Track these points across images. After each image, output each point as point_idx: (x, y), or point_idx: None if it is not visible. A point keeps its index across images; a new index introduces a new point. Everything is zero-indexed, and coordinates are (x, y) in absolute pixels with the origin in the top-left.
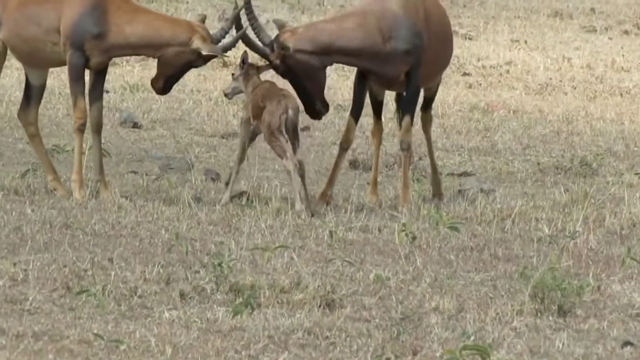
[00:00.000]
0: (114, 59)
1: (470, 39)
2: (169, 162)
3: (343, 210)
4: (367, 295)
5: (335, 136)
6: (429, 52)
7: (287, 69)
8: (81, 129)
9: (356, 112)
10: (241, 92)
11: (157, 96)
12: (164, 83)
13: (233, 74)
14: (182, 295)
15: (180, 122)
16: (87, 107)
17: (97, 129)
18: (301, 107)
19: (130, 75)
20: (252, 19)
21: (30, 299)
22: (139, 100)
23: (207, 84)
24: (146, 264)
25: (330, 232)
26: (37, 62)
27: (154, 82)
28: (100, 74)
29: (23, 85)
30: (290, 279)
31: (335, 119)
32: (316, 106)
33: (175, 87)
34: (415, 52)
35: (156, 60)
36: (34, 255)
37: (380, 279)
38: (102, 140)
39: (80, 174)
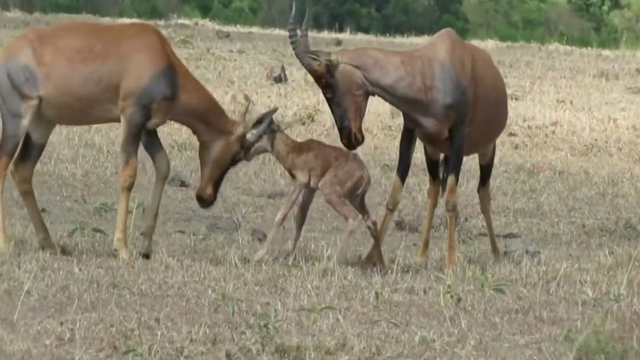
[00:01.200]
0: None
1: (516, 99)
2: (216, 221)
3: (389, 272)
4: (412, 357)
5: (382, 196)
6: (479, 113)
7: (329, 84)
8: (130, 188)
9: (402, 172)
10: (264, 152)
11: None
12: (212, 189)
13: (252, 134)
14: (228, 355)
15: (228, 181)
16: (151, 160)
17: (165, 177)
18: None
19: (178, 134)
20: (295, 42)
21: (77, 358)
22: (186, 158)
23: None
24: (192, 324)
25: (376, 293)
26: (79, 119)
27: (202, 192)
28: (154, 132)
29: (71, 143)
30: (336, 340)
31: (382, 179)
32: (352, 132)
33: None
34: (457, 107)
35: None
36: (80, 314)
37: (425, 341)
38: (147, 200)
39: (125, 232)
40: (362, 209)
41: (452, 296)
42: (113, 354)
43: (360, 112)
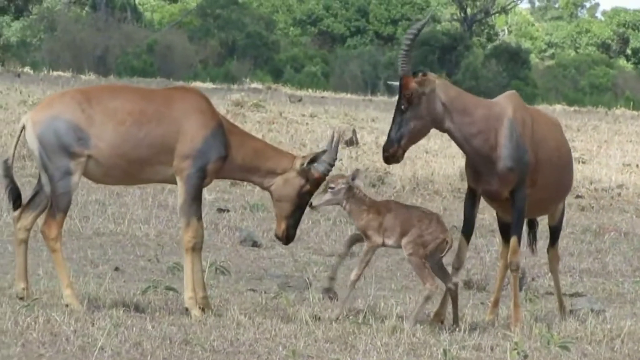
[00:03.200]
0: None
1: (583, 162)
2: (287, 280)
3: (457, 329)
4: None
5: (450, 257)
6: (541, 175)
7: (411, 100)
8: (194, 248)
9: (466, 230)
10: (336, 204)
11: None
12: (286, 227)
13: (332, 187)
14: None
15: (299, 241)
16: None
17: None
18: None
19: (250, 195)
20: (406, 50)
21: None
22: (258, 219)
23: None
24: None
25: (444, 350)
26: (125, 180)
27: (277, 230)
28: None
29: (145, 204)
30: None
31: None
32: (398, 150)
33: None
34: (518, 167)
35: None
36: None
37: None
38: (223, 259)
39: (194, 291)
40: (441, 271)
41: (518, 353)
42: None
43: (419, 138)
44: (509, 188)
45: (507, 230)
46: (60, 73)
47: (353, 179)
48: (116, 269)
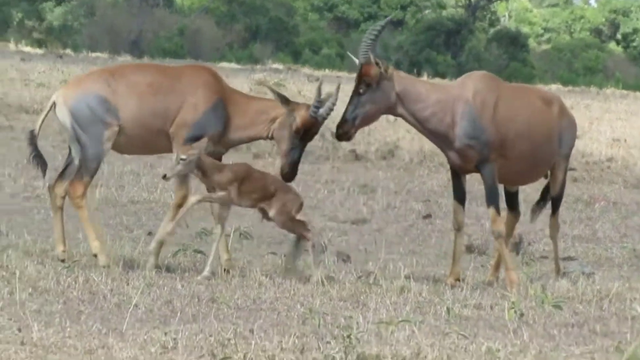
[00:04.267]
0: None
1: (577, 137)
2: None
3: (459, 289)
4: None
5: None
6: (512, 150)
7: (369, 85)
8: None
9: (456, 196)
10: (189, 173)
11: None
12: (288, 165)
13: (183, 159)
14: None
15: (316, 209)
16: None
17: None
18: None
19: (271, 166)
20: (370, 40)
21: None
22: None
23: (340, 175)
24: (283, 334)
25: (448, 308)
26: (144, 149)
27: (283, 169)
28: None
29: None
30: (411, 350)
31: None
32: (351, 130)
33: (310, 177)
34: (477, 146)
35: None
36: (183, 325)
37: (491, 351)
38: (246, 225)
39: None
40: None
41: (515, 311)
42: None
43: (371, 121)
44: (472, 163)
45: (510, 200)
46: (99, 54)
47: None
48: (149, 233)
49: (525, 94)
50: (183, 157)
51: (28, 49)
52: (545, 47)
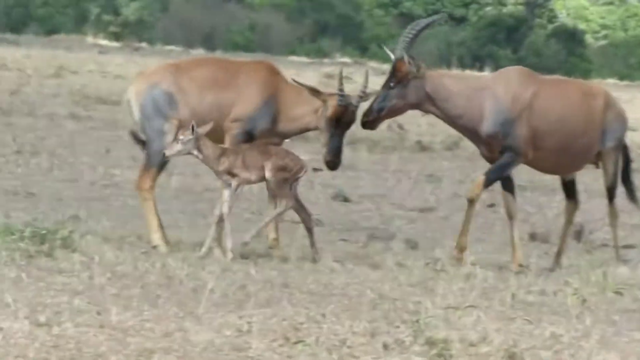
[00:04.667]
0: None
1: (633, 130)
2: (374, 232)
3: (524, 276)
4: (543, 350)
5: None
6: (544, 142)
7: (400, 82)
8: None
9: (504, 185)
10: (188, 153)
11: (364, 175)
12: (331, 154)
13: (181, 138)
14: (384, 346)
15: (384, 197)
16: None
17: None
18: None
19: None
20: (408, 38)
21: (254, 347)
22: (348, 177)
23: (407, 165)
24: (354, 319)
25: (513, 294)
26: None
27: (325, 157)
28: None
29: None
30: (478, 334)
31: (517, 198)
32: (376, 120)
33: (379, 167)
34: (503, 137)
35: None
36: (257, 310)
37: (554, 335)
38: (316, 213)
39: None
40: (297, 202)
41: (578, 297)
42: (285, 344)
43: (396, 114)
44: (497, 151)
45: (568, 189)
46: (173, 47)
47: (194, 129)
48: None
49: (563, 88)
50: (181, 137)
51: (105, 42)
52: (601, 43)
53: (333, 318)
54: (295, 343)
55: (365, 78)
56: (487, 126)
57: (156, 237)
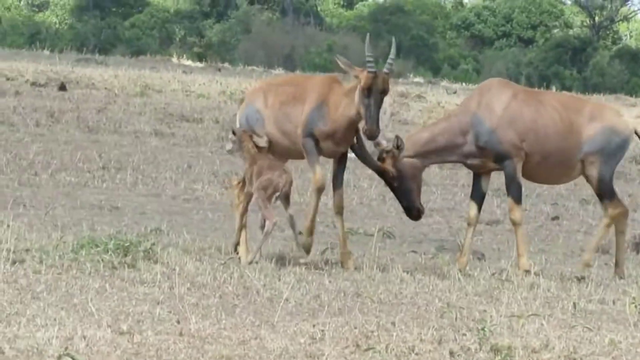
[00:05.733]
0: None
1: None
2: (443, 243)
3: (585, 285)
4: (602, 356)
5: (579, 225)
6: (532, 148)
7: (397, 172)
8: (319, 190)
9: (474, 195)
10: (238, 151)
11: (434, 189)
12: (369, 125)
13: (230, 137)
14: (451, 353)
15: (453, 210)
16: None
17: (339, 211)
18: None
19: None
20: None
21: (326, 354)
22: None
23: None
24: (422, 327)
25: (574, 303)
26: (290, 155)
27: (364, 129)
28: (342, 168)
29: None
30: (540, 341)
31: (580, 211)
32: (414, 208)
33: (449, 181)
34: (490, 145)
35: None
36: (330, 318)
37: (613, 342)
38: (387, 226)
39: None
40: (285, 200)
41: (636, 306)
42: (356, 351)
43: (419, 187)
44: (489, 160)
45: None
46: (254, 68)
47: (234, 133)
48: (299, 233)
49: (541, 99)
50: (230, 135)
51: (189, 62)
52: None
53: (402, 326)
54: (366, 350)
55: (393, 48)
56: (469, 144)
57: (241, 250)
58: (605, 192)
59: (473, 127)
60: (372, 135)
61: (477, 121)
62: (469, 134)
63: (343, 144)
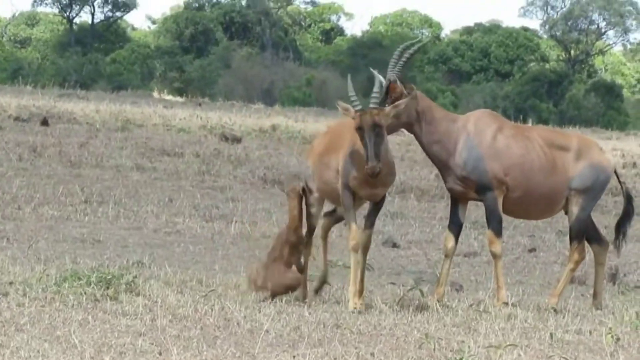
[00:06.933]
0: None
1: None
2: (421, 275)
3: (562, 316)
4: None
5: (556, 256)
6: (514, 181)
7: (393, 102)
8: (355, 249)
9: (451, 223)
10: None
11: (412, 222)
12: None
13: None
14: None
15: (431, 243)
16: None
17: (364, 250)
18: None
19: (391, 205)
20: (401, 62)
21: None
22: (397, 225)
23: None
24: (401, 357)
25: (551, 333)
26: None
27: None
28: (375, 209)
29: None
30: None
31: (557, 243)
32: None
33: (427, 214)
34: (475, 174)
35: None
36: (309, 349)
37: None
38: (368, 257)
39: (355, 286)
40: None
41: (612, 336)
42: None
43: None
44: (471, 190)
45: (590, 235)
46: (234, 102)
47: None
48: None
49: (525, 134)
50: None
51: (170, 97)
52: (638, 96)
53: (381, 357)
54: None
55: (377, 81)
56: (461, 162)
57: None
58: (578, 233)
59: (465, 146)
60: (373, 173)
61: (470, 144)
62: (458, 149)
63: (380, 186)
